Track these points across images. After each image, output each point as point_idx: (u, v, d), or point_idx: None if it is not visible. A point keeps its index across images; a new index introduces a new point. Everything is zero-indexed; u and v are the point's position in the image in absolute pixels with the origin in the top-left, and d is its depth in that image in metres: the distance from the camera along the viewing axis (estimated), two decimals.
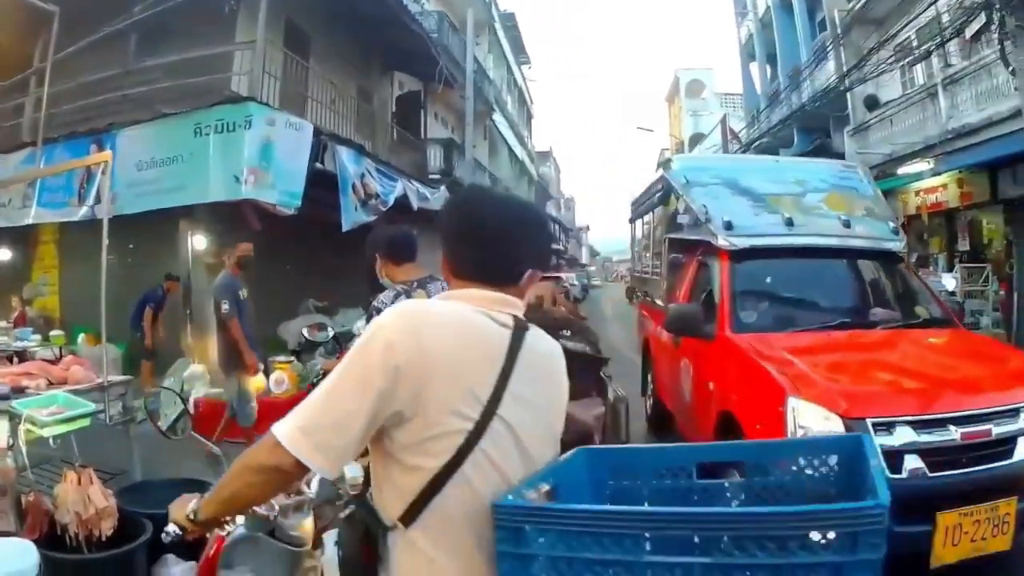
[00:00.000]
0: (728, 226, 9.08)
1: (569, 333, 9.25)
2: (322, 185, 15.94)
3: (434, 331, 2.45)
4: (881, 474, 2.36)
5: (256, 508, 2.98)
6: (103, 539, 5.57)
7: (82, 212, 14.73)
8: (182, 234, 15.57)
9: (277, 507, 3.09)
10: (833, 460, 2.85)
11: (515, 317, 2.66)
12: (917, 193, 24.37)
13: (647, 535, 2.24)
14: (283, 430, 2.35)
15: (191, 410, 11.37)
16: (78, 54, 16.70)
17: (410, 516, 2.44)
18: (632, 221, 18.98)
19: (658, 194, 13.18)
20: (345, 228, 16.75)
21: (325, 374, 12.06)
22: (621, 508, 2.53)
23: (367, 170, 18.37)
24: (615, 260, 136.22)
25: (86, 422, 7.07)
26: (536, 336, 2.73)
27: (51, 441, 6.46)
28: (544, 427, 2.73)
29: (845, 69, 26.45)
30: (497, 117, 45.14)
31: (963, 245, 22.97)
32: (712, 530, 2.21)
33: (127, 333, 14.18)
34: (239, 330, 10.61)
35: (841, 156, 27.81)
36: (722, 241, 9.03)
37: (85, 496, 5.56)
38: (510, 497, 2.41)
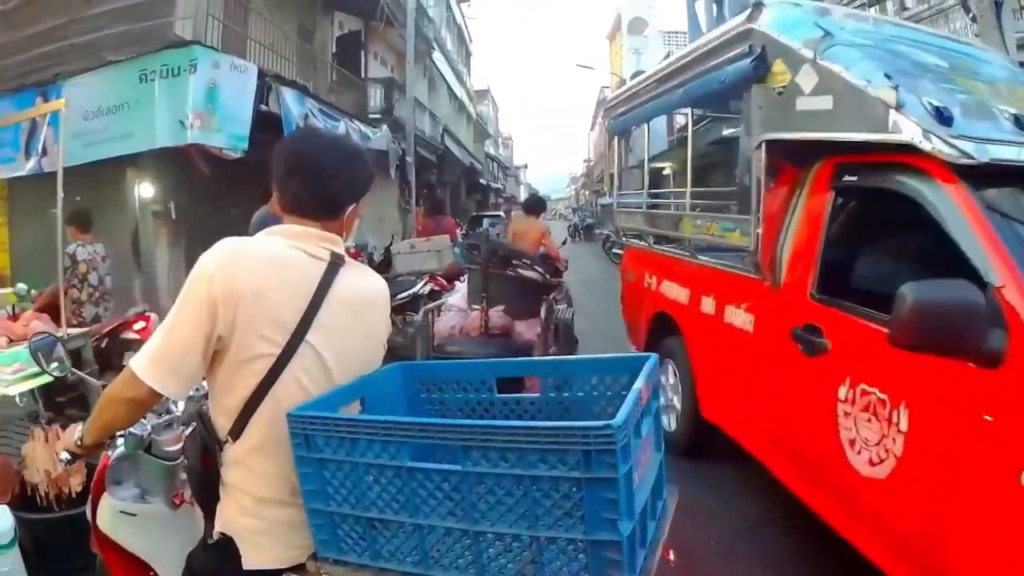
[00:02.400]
0: (944, 118, 4.57)
1: (526, 262, 10.89)
2: (267, 127, 15.56)
3: (246, 264, 2.73)
4: (635, 396, 2.47)
5: (132, 429, 3.31)
6: (73, 496, 5.57)
7: (29, 166, 14.26)
8: (129, 183, 15.25)
9: (150, 427, 3.46)
10: (624, 379, 2.98)
11: (332, 252, 2.91)
12: None
13: (408, 443, 2.49)
14: (137, 363, 2.68)
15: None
16: (23, 5, 16.34)
17: (236, 431, 2.78)
18: (619, 134, 12.65)
19: (727, 70, 6.88)
20: None
21: None
22: (386, 418, 2.68)
23: (310, 111, 18.28)
24: (553, 199, 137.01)
25: (50, 377, 6.93)
26: (355, 272, 3.03)
27: (17, 399, 6.46)
28: (357, 357, 3.01)
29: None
30: (437, 56, 44.85)
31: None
32: (460, 440, 2.40)
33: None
34: None
35: None
36: (945, 148, 4.45)
37: (53, 453, 5.49)
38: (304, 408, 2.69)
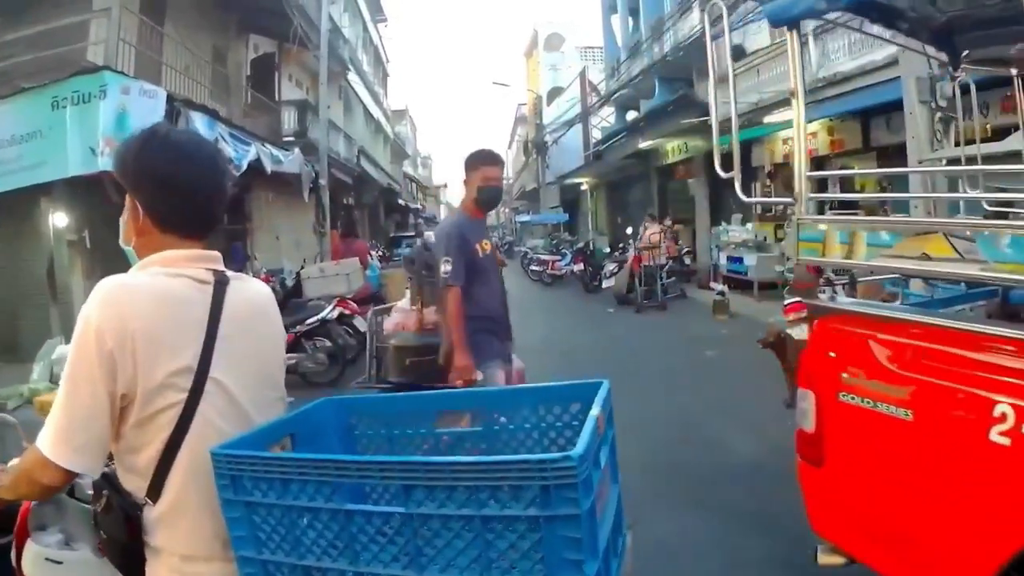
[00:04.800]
0: None
1: None
2: None
3: (133, 306, 2.44)
4: (592, 424, 2.30)
5: None
6: None
7: None
8: (43, 212, 14.95)
9: None
10: (575, 408, 2.86)
11: (214, 272, 2.69)
12: (785, 141, 24.63)
13: (344, 483, 2.30)
14: (45, 444, 2.41)
15: None
16: None
17: (154, 491, 2.52)
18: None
19: None
20: None
21: None
22: (319, 456, 2.46)
23: (220, 135, 17.81)
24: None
25: None
26: (240, 285, 2.78)
27: None
28: (260, 377, 2.80)
29: (710, 19, 26.39)
30: (352, 77, 44.65)
31: (834, 192, 23.16)
32: (405, 479, 2.19)
33: None
34: (457, 308, 6.50)
35: (705, 106, 27.95)
36: None
37: None
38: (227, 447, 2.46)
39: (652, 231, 26.35)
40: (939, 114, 12.12)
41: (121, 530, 2.65)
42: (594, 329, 21.50)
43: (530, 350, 17.09)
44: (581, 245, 38.01)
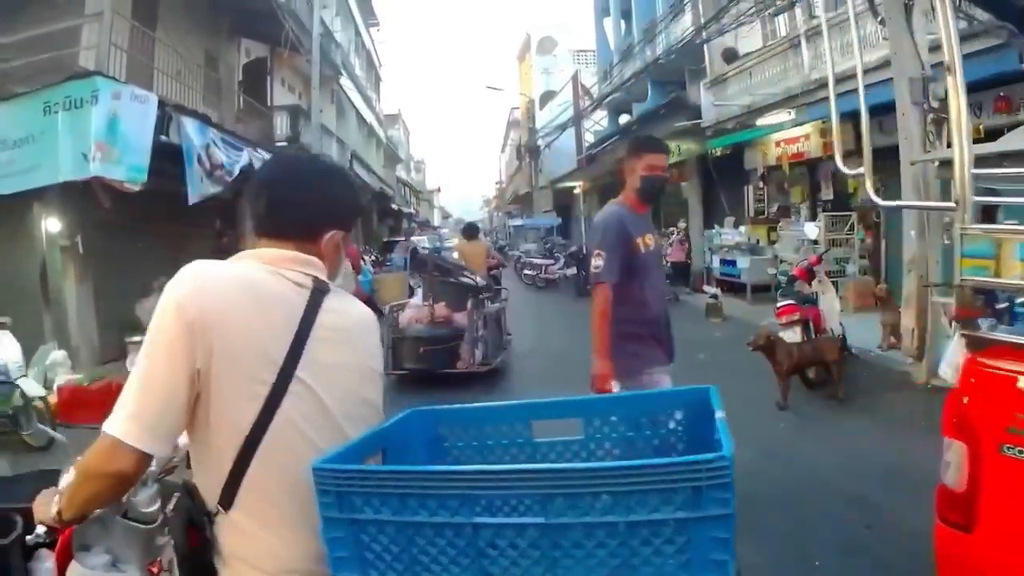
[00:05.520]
0: None
1: (466, 272, 15.69)
2: (168, 158, 15.57)
3: (218, 289, 2.40)
4: (725, 426, 2.30)
5: None
6: None
7: None
8: (36, 217, 14.91)
9: None
10: (679, 415, 2.85)
11: (314, 279, 2.61)
12: (777, 143, 24.67)
13: (476, 495, 2.17)
14: (117, 427, 2.29)
15: (54, 397, 11.23)
16: None
17: (227, 498, 2.42)
18: None
19: None
20: (191, 201, 16.44)
21: None
22: (445, 468, 2.45)
23: (212, 140, 17.88)
24: (468, 221, 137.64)
25: None
26: (341, 300, 2.72)
27: None
28: (355, 393, 2.69)
29: (703, 21, 26.43)
30: (345, 81, 44.54)
31: (826, 194, 23.23)
32: (545, 487, 2.09)
33: None
34: (604, 308, 5.92)
35: (698, 108, 27.96)
36: None
37: None
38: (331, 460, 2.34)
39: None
40: (931, 115, 12.10)
41: (182, 537, 2.57)
42: (587, 332, 21.45)
43: (524, 354, 17.07)
44: (574, 249, 37.92)
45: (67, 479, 2.67)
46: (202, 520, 2.49)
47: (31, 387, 10.56)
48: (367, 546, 2.26)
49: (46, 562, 5.67)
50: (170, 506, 2.75)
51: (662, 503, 2.00)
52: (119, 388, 7.85)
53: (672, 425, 2.84)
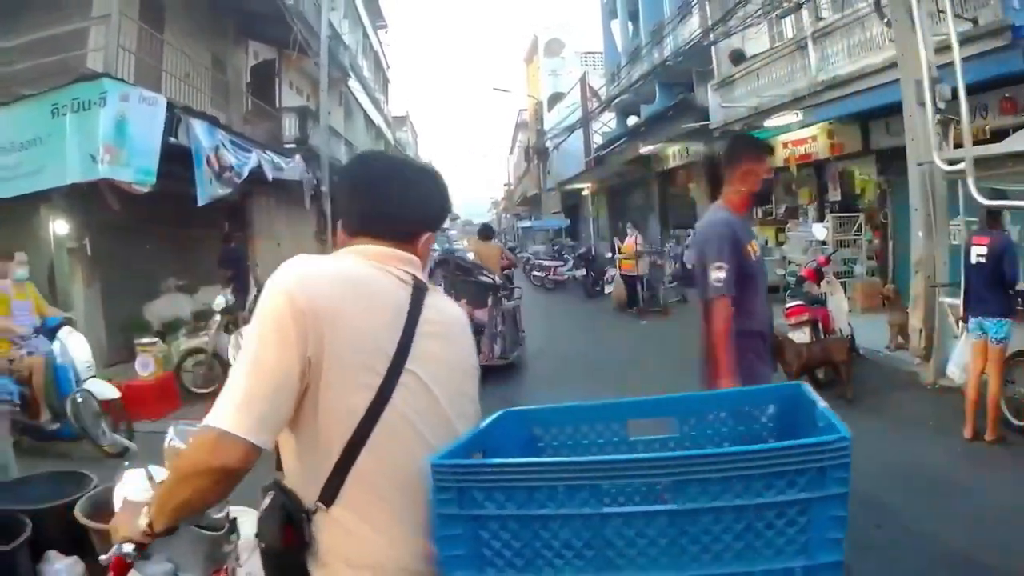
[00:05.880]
0: None
1: (484, 271, 17.14)
2: (176, 160, 15.50)
3: (326, 280, 2.37)
4: (833, 413, 2.33)
5: None
6: None
7: None
8: (43, 219, 14.88)
9: None
10: (771, 409, 2.86)
11: (414, 276, 2.58)
12: (785, 145, 24.65)
13: (603, 486, 2.16)
14: (223, 418, 2.18)
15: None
16: None
17: (329, 493, 2.32)
18: None
19: None
20: (201, 203, 16.37)
21: (189, 353, 13.14)
22: (575, 459, 2.45)
23: (221, 142, 17.81)
24: (476, 223, 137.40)
25: None
26: (439, 299, 2.69)
27: None
28: (457, 384, 2.61)
29: (710, 23, 26.43)
30: (353, 83, 44.49)
31: (834, 195, 23.25)
32: (678, 474, 2.11)
33: None
34: (728, 324, 5.35)
35: (705, 110, 27.94)
36: None
37: None
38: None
39: (628, 241, 26.07)
40: (938, 116, 12.09)
41: (277, 537, 2.39)
42: (596, 334, 21.52)
43: (536, 353, 17.10)
44: (583, 251, 37.92)
45: (128, 490, 2.65)
46: (300, 518, 2.36)
47: (103, 388, 10.68)
48: (486, 543, 2.23)
49: (55, 564, 5.75)
50: (264, 504, 2.51)
51: (787, 485, 2.06)
52: (126, 390, 7.96)
53: (764, 420, 2.88)
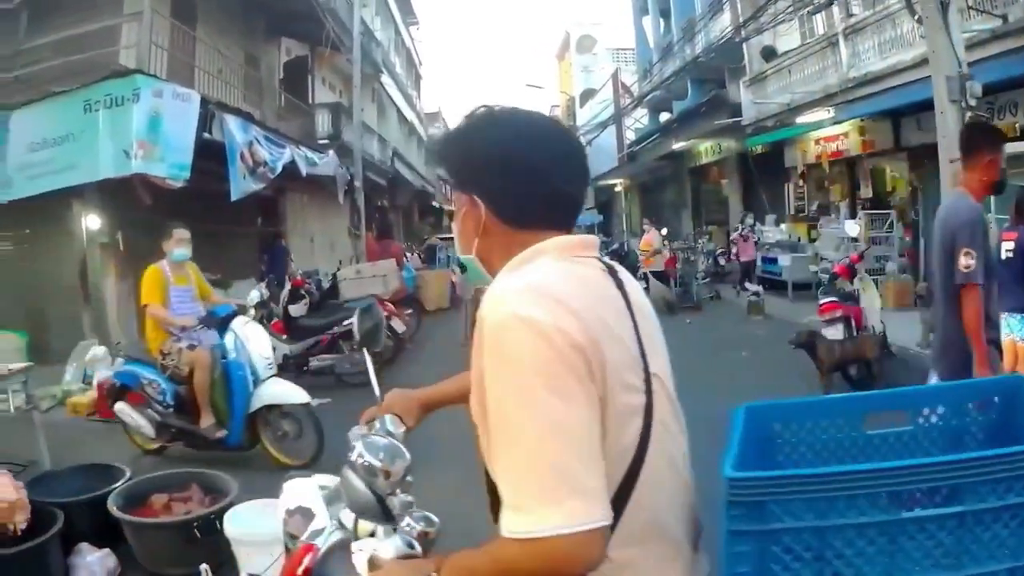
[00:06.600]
0: None
1: None
2: (210, 155, 15.60)
3: (571, 293, 1.88)
4: None
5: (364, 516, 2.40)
6: (17, 533, 5.35)
7: None
8: (76, 214, 14.99)
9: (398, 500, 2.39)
10: (996, 400, 2.78)
11: (600, 260, 2.16)
12: (817, 142, 24.58)
13: (901, 492, 2.10)
14: (556, 516, 1.68)
15: (95, 392, 11.17)
16: None
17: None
18: None
19: None
20: (234, 197, 16.49)
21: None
22: (876, 466, 2.28)
23: (255, 138, 17.94)
24: None
25: None
26: (625, 273, 2.22)
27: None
28: (670, 369, 2.17)
29: (742, 20, 26.38)
30: (385, 79, 44.58)
31: (866, 192, 23.16)
32: (971, 476, 2.04)
33: (27, 321, 13.91)
34: (980, 312, 5.18)
35: (737, 107, 27.88)
36: None
37: None
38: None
39: (646, 238, 25.86)
40: (969, 113, 12.03)
41: None
42: None
43: None
44: (616, 246, 37.79)
45: (376, 545, 2.26)
46: None
47: (286, 391, 9.34)
48: (776, 557, 2.10)
49: (86, 556, 5.81)
50: None
51: None
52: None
53: (992, 412, 2.81)
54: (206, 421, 9.06)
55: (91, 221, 14.98)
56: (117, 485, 6.51)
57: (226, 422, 9.12)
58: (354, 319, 13.49)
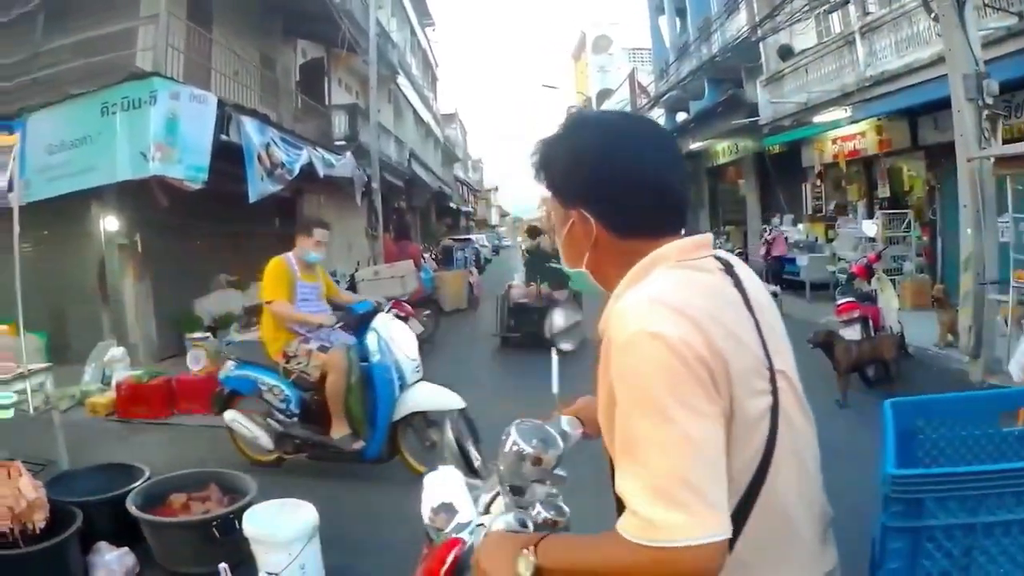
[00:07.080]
0: None
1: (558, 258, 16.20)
2: (227, 157, 15.63)
3: (694, 303, 1.86)
4: None
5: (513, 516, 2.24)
6: (36, 531, 5.43)
7: None
8: (94, 216, 15.10)
9: (544, 492, 2.35)
10: None
11: (717, 259, 2.11)
12: (834, 141, 24.53)
13: None
14: (684, 528, 1.69)
15: (113, 392, 11.20)
16: None
17: (733, 529, 1.78)
18: None
19: None
20: (252, 199, 16.53)
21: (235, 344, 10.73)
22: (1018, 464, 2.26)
23: (272, 140, 17.99)
24: (525, 219, 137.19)
25: (9, 413, 6.97)
26: (742, 266, 2.17)
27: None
28: (793, 361, 2.11)
29: (758, 19, 26.32)
30: (401, 80, 44.62)
31: (883, 192, 23.05)
32: None
33: (47, 322, 13.87)
34: None
35: (754, 106, 27.80)
36: None
37: (16, 489, 5.43)
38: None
39: None
40: (986, 112, 11.98)
41: None
42: None
43: (580, 354, 17.18)
44: None
45: (494, 522, 2.23)
46: None
47: (436, 396, 8.44)
48: (928, 554, 2.12)
49: (105, 555, 5.85)
50: None
51: None
52: (177, 384, 8.06)
53: None
54: (339, 431, 8.28)
55: (109, 223, 15.06)
56: (136, 484, 6.55)
57: (361, 431, 8.37)
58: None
